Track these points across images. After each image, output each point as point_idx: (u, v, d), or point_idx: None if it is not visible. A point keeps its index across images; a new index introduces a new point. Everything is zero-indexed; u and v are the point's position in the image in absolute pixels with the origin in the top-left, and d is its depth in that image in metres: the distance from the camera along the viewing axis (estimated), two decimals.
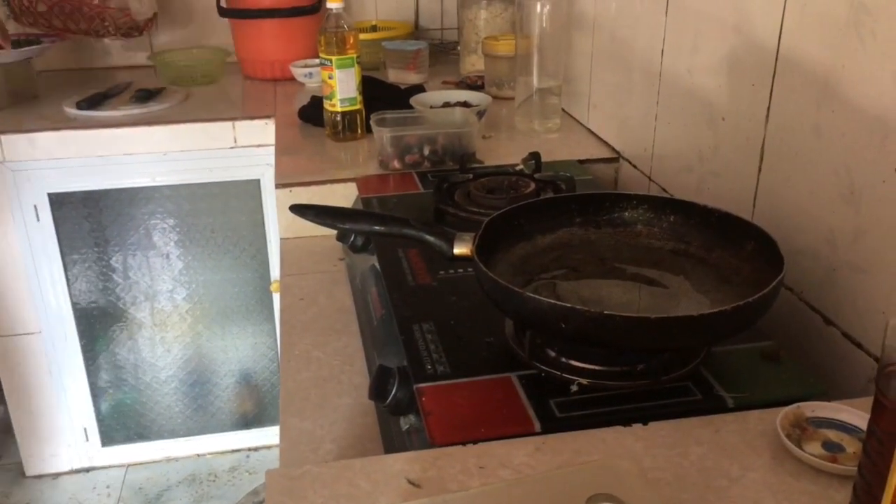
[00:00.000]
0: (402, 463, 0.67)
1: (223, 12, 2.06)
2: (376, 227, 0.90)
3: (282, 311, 1.12)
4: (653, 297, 0.86)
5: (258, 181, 1.89)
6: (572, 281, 0.88)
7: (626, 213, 0.94)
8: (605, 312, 0.71)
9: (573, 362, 0.78)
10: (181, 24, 2.26)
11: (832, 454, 0.66)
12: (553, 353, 0.80)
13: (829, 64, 0.84)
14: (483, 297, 0.80)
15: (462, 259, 0.84)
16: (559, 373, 0.78)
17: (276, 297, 1.84)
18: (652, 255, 0.92)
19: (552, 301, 0.72)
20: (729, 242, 0.87)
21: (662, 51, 1.23)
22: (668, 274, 0.89)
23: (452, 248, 0.84)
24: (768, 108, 0.95)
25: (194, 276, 1.98)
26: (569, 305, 0.71)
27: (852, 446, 0.66)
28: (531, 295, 0.74)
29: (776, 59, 0.93)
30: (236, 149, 1.84)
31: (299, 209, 0.92)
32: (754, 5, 0.97)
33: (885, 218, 0.78)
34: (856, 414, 0.68)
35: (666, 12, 1.21)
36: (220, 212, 1.93)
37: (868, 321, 0.82)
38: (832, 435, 0.68)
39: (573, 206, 0.94)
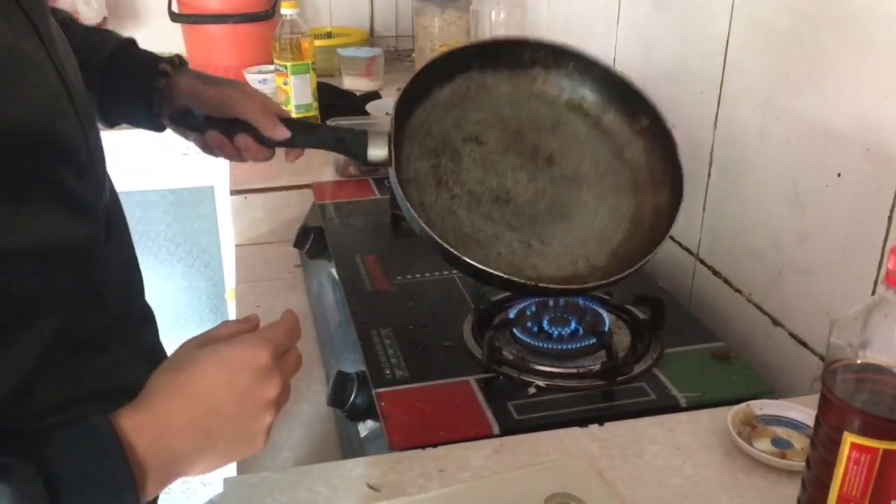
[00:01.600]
0: (361, 468, 0.67)
1: (175, 17, 2.04)
2: (295, 136, 0.83)
3: (237, 318, 1.10)
4: (554, 187, 0.86)
5: (212, 188, 1.87)
6: (477, 162, 0.85)
7: (525, 55, 0.89)
8: (540, 285, 0.75)
9: (531, 364, 0.79)
10: (131, 29, 2.22)
11: (781, 450, 0.68)
12: (511, 356, 0.81)
13: (774, 72, 0.86)
14: (440, 301, 0.81)
15: (378, 164, 0.80)
16: (517, 375, 0.78)
17: (232, 305, 1.82)
18: (549, 112, 0.88)
19: (492, 271, 0.74)
20: (624, 109, 0.87)
21: (614, 59, 1.26)
22: (566, 147, 0.87)
23: (366, 152, 0.80)
24: (716, 116, 0.98)
25: (147, 284, 1.95)
26: (505, 276, 0.73)
27: (800, 442, 0.69)
28: (468, 261, 0.74)
29: (723, 68, 0.95)
30: (189, 155, 1.81)
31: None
32: (703, 15, 1.00)
33: (828, 221, 0.81)
34: (803, 411, 0.71)
35: (617, 21, 1.23)
36: (172, 219, 1.90)
37: (813, 321, 0.84)
38: (780, 432, 0.70)
39: (470, 53, 0.88)
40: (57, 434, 0.46)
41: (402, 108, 0.82)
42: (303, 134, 0.84)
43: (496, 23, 1.50)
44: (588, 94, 0.90)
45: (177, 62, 0.85)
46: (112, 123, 0.85)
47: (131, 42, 0.85)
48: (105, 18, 2.09)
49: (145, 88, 0.83)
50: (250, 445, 0.55)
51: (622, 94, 0.88)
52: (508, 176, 0.86)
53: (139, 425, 0.48)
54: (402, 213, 0.79)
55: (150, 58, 0.84)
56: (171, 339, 2.26)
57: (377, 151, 0.80)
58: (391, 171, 0.79)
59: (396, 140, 0.80)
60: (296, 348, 0.59)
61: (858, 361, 0.48)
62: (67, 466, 0.44)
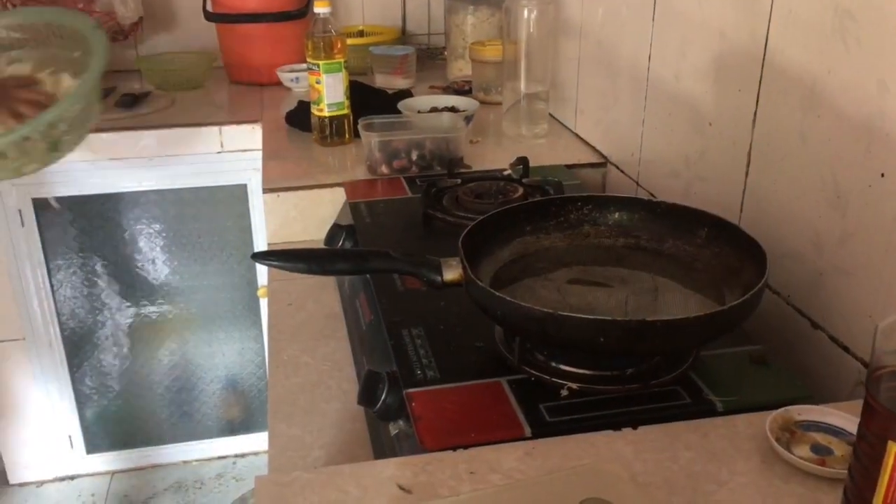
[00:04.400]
0: (392, 468, 0.66)
1: (209, 16, 2.06)
2: (358, 266, 0.87)
3: (269, 316, 1.11)
4: (635, 295, 0.86)
5: (245, 186, 1.88)
6: (550, 290, 0.88)
7: (572, 216, 0.95)
8: (613, 319, 0.73)
9: (563, 367, 0.78)
10: (167, 29, 2.24)
11: (821, 457, 0.66)
12: (542, 358, 0.80)
13: (815, 70, 0.84)
14: (471, 302, 0.80)
15: (453, 285, 0.83)
16: (549, 377, 0.78)
17: (264, 303, 1.84)
18: (609, 254, 0.93)
19: (580, 316, 0.73)
20: (680, 231, 0.89)
21: (649, 56, 1.24)
22: (637, 273, 0.90)
23: (441, 276, 0.83)
24: (755, 114, 0.96)
25: (181, 281, 1.97)
26: (590, 317, 0.72)
27: (840, 449, 0.67)
28: (544, 310, 0.73)
29: (762, 65, 0.93)
30: (223, 153, 1.83)
31: (262, 256, 0.86)
32: (741, 11, 0.98)
33: (871, 222, 0.79)
34: (843, 417, 0.69)
35: (653, 18, 1.22)
36: (206, 217, 1.92)
37: (855, 325, 0.82)
38: (820, 438, 0.68)
39: (521, 216, 0.95)
40: None
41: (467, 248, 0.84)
42: (378, 261, 0.85)
43: (529, 20, 1.48)
44: (641, 233, 0.93)
45: None
46: None
47: None
48: (141, 18, 2.11)
49: None
50: None
51: (672, 218, 0.89)
52: (587, 295, 0.87)
53: None
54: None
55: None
56: (205, 336, 2.30)
57: (451, 274, 0.83)
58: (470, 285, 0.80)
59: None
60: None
61: None
62: None
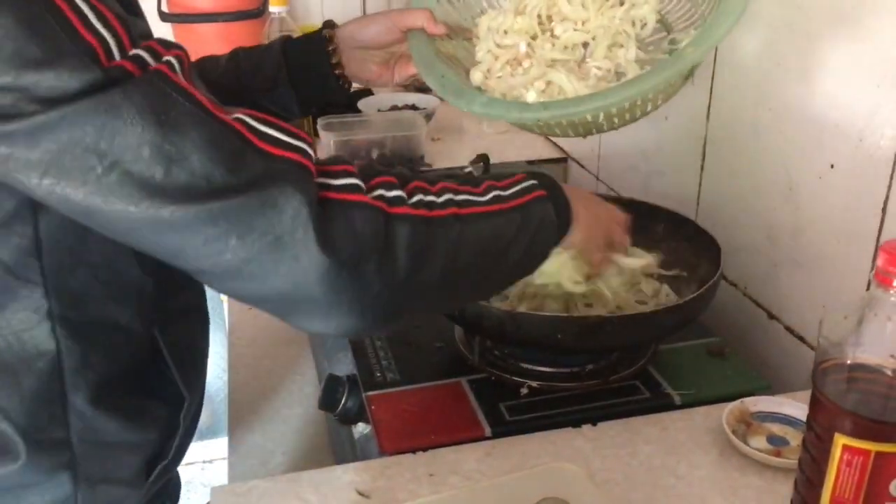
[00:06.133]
0: (351, 473, 0.66)
1: (164, 17, 2.02)
2: None
3: (230, 321, 1.10)
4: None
5: None
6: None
7: None
8: (561, 315, 0.73)
9: (523, 365, 0.78)
10: None
11: (777, 448, 0.67)
12: (502, 356, 0.80)
13: (765, 62, 0.85)
14: None
15: None
16: (509, 376, 0.78)
17: (226, 306, 1.81)
18: None
19: (538, 314, 0.74)
20: (638, 226, 0.84)
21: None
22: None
23: None
24: (708, 107, 0.97)
25: None
26: (547, 314, 0.73)
27: (796, 439, 0.68)
28: (501, 308, 0.74)
29: (715, 58, 0.94)
30: None
31: None
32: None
33: (822, 213, 0.80)
34: (799, 407, 0.69)
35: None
36: None
37: (809, 315, 0.83)
38: (776, 429, 0.69)
39: None
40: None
41: None
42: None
43: None
44: None
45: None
46: (308, 108, 0.88)
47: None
48: None
49: (317, 47, 0.85)
50: (595, 239, 0.70)
51: (630, 214, 0.83)
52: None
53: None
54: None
55: (309, 32, 0.88)
56: None
57: None
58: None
59: None
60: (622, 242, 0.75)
61: (849, 361, 0.47)
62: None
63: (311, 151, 0.52)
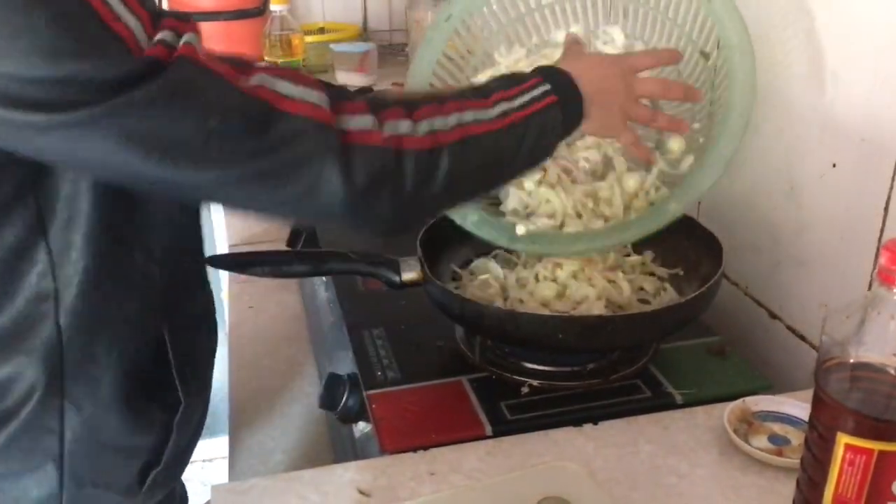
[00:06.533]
0: (352, 472, 0.66)
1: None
2: (316, 268, 0.86)
3: (230, 319, 1.09)
4: None
5: None
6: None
7: None
8: (564, 315, 0.73)
9: (524, 364, 0.78)
10: None
11: (778, 447, 0.67)
12: (503, 355, 0.80)
13: (767, 60, 0.85)
14: (432, 303, 0.80)
15: (412, 285, 0.82)
16: (510, 375, 0.77)
17: (227, 304, 1.81)
18: None
19: (539, 313, 0.74)
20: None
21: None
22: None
23: (400, 276, 0.82)
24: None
25: None
26: (548, 314, 0.74)
27: (798, 439, 0.67)
28: (502, 308, 0.74)
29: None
30: None
31: (219, 261, 0.86)
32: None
33: (824, 212, 0.79)
34: (799, 406, 0.69)
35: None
36: None
37: (811, 314, 0.83)
38: (777, 428, 0.69)
39: None
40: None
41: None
42: (337, 262, 0.85)
43: None
44: None
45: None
46: None
47: None
48: None
49: None
50: (613, 125, 0.72)
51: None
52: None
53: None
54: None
55: None
56: None
57: (409, 273, 0.82)
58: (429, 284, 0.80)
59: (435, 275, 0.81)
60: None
61: (852, 360, 0.47)
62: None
63: (326, 101, 0.55)
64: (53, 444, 0.61)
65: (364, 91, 1.06)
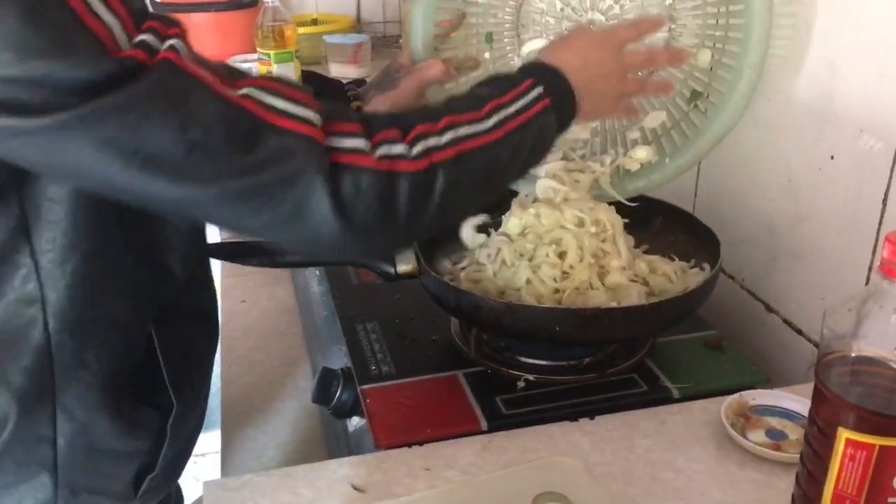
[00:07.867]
0: (346, 468, 0.65)
1: (157, 6, 2.00)
2: (310, 258, 0.85)
3: (222, 313, 1.08)
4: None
5: None
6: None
7: None
8: (559, 307, 0.72)
9: (520, 358, 0.78)
10: None
11: (776, 442, 0.66)
12: (499, 349, 0.79)
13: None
14: (428, 296, 0.79)
15: (407, 277, 0.82)
16: (506, 369, 0.77)
17: (219, 298, 1.80)
18: None
19: (536, 306, 0.73)
20: (635, 220, 0.86)
21: None
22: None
23: (395, 267, 0.81)
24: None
25: None
26: (545, 306, 0.73)
27: (795, 433, 0.67)
28: (499, 300, 0.73)
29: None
30: None
31: (209, 251, 0.81)
32: None
33: (822, 205, 0.79)
34: (797, 400, 0.69)
35: None
36: None
37: (808, 308, 0.82)
38: (775, 422, 0.68)
39: None
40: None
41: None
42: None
43: None
44: None
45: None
46: None
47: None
48: None
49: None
50: (605, 108, 0.74)
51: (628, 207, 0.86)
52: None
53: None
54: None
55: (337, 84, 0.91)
56: None
57: (404, 265, 0.81)
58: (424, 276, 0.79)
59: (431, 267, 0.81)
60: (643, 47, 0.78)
61: (853, 354, 0.47)
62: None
63: (317, 118, 0.53)
64: (47, 451, 0.60)
65: (359, 82, 1.05)
